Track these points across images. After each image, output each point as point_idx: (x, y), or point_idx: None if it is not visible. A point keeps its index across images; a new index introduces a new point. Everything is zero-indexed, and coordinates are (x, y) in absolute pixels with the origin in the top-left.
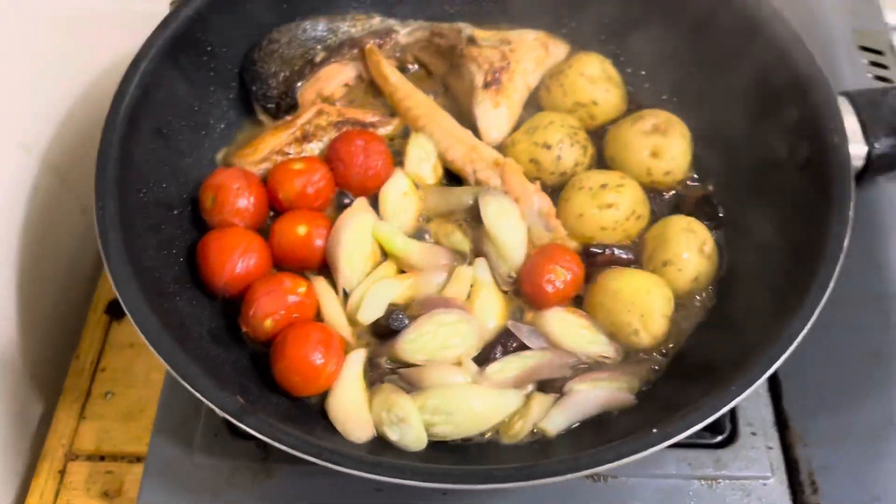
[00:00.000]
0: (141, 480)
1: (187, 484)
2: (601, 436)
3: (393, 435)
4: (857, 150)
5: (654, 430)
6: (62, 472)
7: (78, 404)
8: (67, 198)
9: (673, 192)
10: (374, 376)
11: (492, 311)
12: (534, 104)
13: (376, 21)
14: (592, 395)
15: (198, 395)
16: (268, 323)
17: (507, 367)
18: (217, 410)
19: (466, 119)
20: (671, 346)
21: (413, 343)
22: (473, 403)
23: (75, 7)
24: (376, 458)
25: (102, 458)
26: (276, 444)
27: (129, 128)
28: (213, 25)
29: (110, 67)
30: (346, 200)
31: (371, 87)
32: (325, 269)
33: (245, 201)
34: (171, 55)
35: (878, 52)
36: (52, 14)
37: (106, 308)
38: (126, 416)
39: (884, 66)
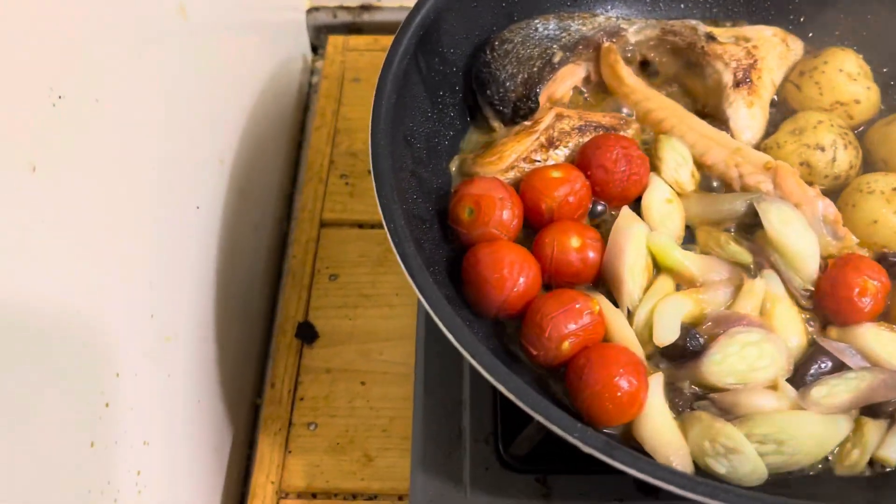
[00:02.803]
0: None
1: None
2: None
3: (720, 468)
4: None
5: None
6: None
7: (281, 437)
8: (245, 213)
9: None
10: (681, 403)
11: (793, 329)
12: (773, 107)
13: (602, 19)
14: None
15: (555, 428)
16: (566, 345)
17: (835, 390)
18: (581, 446)
19: (710, 121)
20: None
21: (720, 365)
22: (807, 431)
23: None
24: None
25: (315, 496)
26: (659, 483)
27: (392, 135)
28: (446, 26)
29: (270, 77)
30: (600, 208)
31: (598, 89)
32: (596, 285)
33: (508, 213)
34: (415, 56)
35: None
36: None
37: (296, 332)
38: (334, 449)
39: None
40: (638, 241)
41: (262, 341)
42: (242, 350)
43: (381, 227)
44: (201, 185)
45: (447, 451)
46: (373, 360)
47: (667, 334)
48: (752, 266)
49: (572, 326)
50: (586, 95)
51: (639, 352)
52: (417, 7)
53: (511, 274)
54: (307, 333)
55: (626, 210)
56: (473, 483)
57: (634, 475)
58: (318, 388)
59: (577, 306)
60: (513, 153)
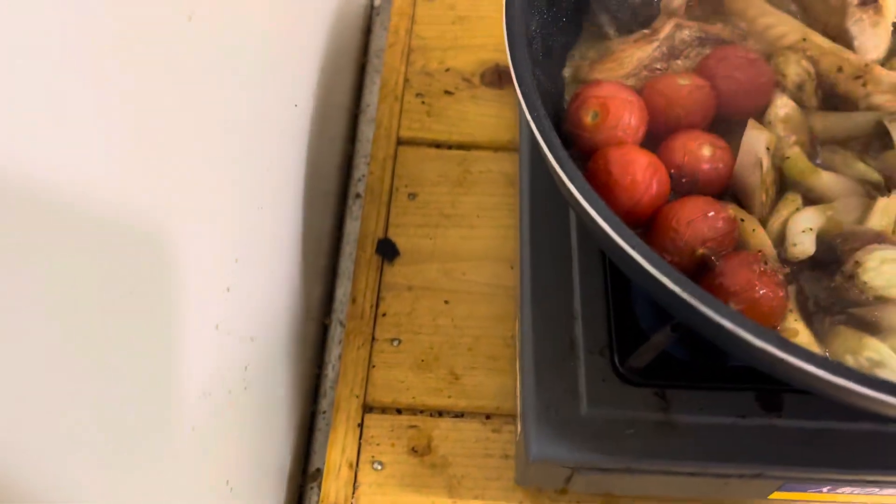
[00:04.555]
0: (525, 432)
1: (581, 439)
2: None
3: None
4: None
5: None
6: (360, 426)
7: (365, 351)
8: (317, 132)
9: None
10: (817, 317)
11: None
12: None
13: None
14: None
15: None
16: (703, 250)
17: None
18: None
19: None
20: None
21: (860, 278)
22: None
23: None
24: None
25: (399, 412)
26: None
27: (524, 28)
28: None
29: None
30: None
31: (712, 3)
32: (722, 197)
33: (635, 117)
34: None
35: None
36: None
37: (376, 248)
38: (420, 366)
39: None
40: (769, 150)
41: (335, 253)
42: (322, 259)
43: (458, 147)
44: (292, 88)
45: (560, 363)
46: (456, 280)
47: (803, 247)
48: (881, 185)
49: (709, 232)
50: (698, 10)
51: (773, 258)
52: None
53: (644, 177)
54: (388, 250)
55: (753, 122)
56: (590, 396)
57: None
58: (401, 304)
59: (712, 214)
60: (634, 60)
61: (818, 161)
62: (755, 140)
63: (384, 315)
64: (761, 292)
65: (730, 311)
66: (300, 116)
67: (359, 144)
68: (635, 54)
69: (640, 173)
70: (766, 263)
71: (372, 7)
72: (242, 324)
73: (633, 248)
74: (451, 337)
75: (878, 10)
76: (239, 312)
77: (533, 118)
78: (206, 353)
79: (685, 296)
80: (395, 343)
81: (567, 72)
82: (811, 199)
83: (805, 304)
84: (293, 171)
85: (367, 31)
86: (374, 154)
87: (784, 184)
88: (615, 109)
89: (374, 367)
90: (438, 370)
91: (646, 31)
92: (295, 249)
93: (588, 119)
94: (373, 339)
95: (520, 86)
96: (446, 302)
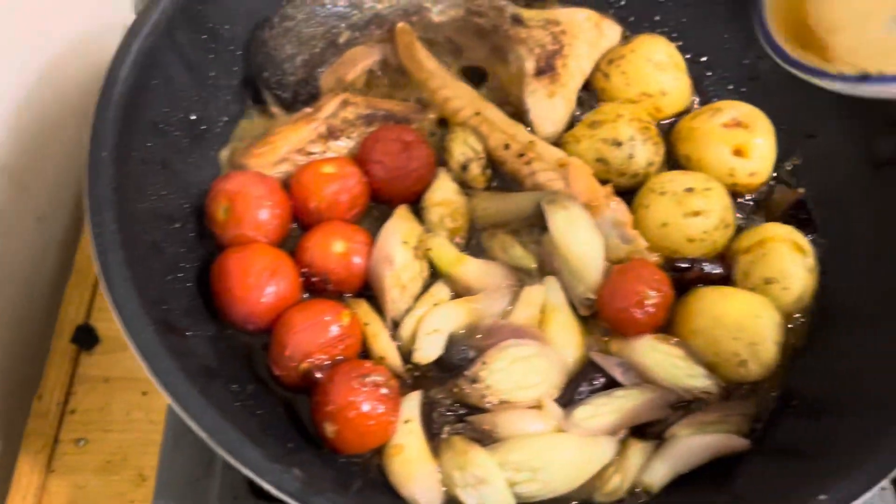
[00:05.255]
0: None
1: None
2: (721, 489)
3: (470, 500)
4: None
5: (823, 497)
6: None
7: (44, 455)
8: (21, 203)
9: (755, 195)
10: (436, 425)
11: (569, 341)
12: (586, 91)
13: None
14: (700, 443)
15: (246, 470)
16: (306, 365)
17: (601, 410)
18: (274, 491)
19: (513, 111)
20: (777, 377)
21: (483, 382)
22: (564, 456)
23: None
24: None
25: None
26: None
27: (125, 122)
28: None
29: (64, 52)
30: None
31: (398, 74)
32: (365, 292)
33: (267, 212)
34: (168, 32)
35: None
36: None
37: (73, 336)
38: (104, 468)
39: None
40: (407, 245)
41: (40, 348)
42: (15, 357)
43: None
44: None
45: (192, 480)
46: None
47: (429, 350)
48: (535, 272)
49: (316, 343)
50: (384, 79)
51: (397, 368)
52: None
53: (259, 282)
54: (86, 338)
55: (400, 210)
56: None
57: None
58: (94, 399)
59: (326, 319)
60: (287, 144)
61: (470, 248)
62: (388, 233)
63: (73, 412)
64: (362, 410)
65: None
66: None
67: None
68: (290, 137)
69: (255, 277)
70: (370, 376)
71: None
72: None
73: (163, 384)
74: (145, 433)
75: (555, 80)
76: None
77: (95, 242)
78: None
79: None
80: (81, 443)
81: (224, 154)
82: (459, 290)
83: (429, 412)
84: None
85: None
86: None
87: (437, 274)
88: (240, 205)
89: (52, 472)
90: (125, 472)
91: (308, 109)
92: None
93: (220, 214)
94: (56, 440)
95: (90, 195)
96: (144, 393)
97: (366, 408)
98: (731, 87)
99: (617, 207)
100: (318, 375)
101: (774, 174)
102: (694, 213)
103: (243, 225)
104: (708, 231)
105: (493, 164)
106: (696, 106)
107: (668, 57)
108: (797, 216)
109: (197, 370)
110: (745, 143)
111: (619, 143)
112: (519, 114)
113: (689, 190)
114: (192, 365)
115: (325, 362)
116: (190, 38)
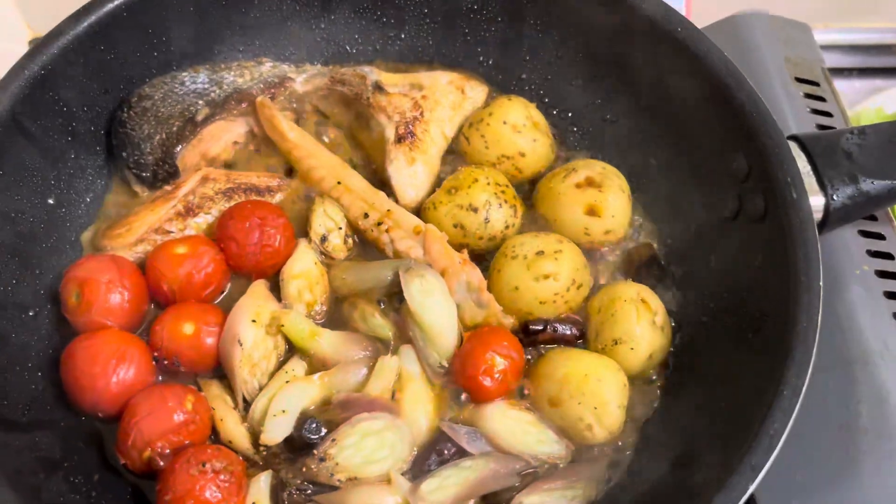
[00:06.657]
0: None
1: None
2: None
3: None
4: (815, 202)
5: None
6: None
7: None
8: None
9: (614, 251)
10: None
11: (423, 410)
12: (453, 154)
13: (267, 68)
14: None
15: None
16: (148, 453)
17: (446, 482)
18: None
19: (380, 177)
20: (629, 438)
21: (333, 460)
22: None
23: None
24: None
25: None
26: None
27: None
28: (68, 81)
29: None
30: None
31: (266, 144)
32: (220, 371)
33: (118, 296)
34: (15, 120)
35: (814, 84)
36: None
37: None
38: None
39: (821, 99)
40: (257, 323)
41: None
42: None
43: None
44: None
45: None
46: None
47: (276, 431)
48: (391, 341)
49: (159, 431)
50: (257, 150)
51: (246, 449)
52: (20, 66)
53: (104, 371)
54: None
55: (253, 286)
56: None
57: None
58: None
59: (170, 405)
60: (144, 224)
61: (332, 318)
62: (236, 313)
63: None
64: (201, 498)
65: None
66: None
67: None
68: (147, 217)
69: (101, 366)
70: (210, 462)
71: None
72: None
73: None
74: None
75: (416, 146)
76: None
77: None
78: None
79: None
80: None
81: (86, 236)
82: (315, 364)
83: (279, 493)
84: None
85: None
86: None
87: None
88: (90, 291)
89: None
90: None
91: (168, 187)
92: None
93: (72, 300)
94: None
95: None
96: None
97: (206, 495)
98: (594, 142)
99: (471, 273)
100: (161, 463)
101: (636, 232)
102: (544, 276)
103: (93, 311)
104: (559, 293)
105: (357, 232)
106: (559, 163)
107: (526, 119)
108: (653, 272)
109: (32, 467)
110: (597, 202)
111: (475, 209)
112: (384, 180)
113: (540, 253)
114: (26, 462)
115: (167, 450)
116: (40, 123)
